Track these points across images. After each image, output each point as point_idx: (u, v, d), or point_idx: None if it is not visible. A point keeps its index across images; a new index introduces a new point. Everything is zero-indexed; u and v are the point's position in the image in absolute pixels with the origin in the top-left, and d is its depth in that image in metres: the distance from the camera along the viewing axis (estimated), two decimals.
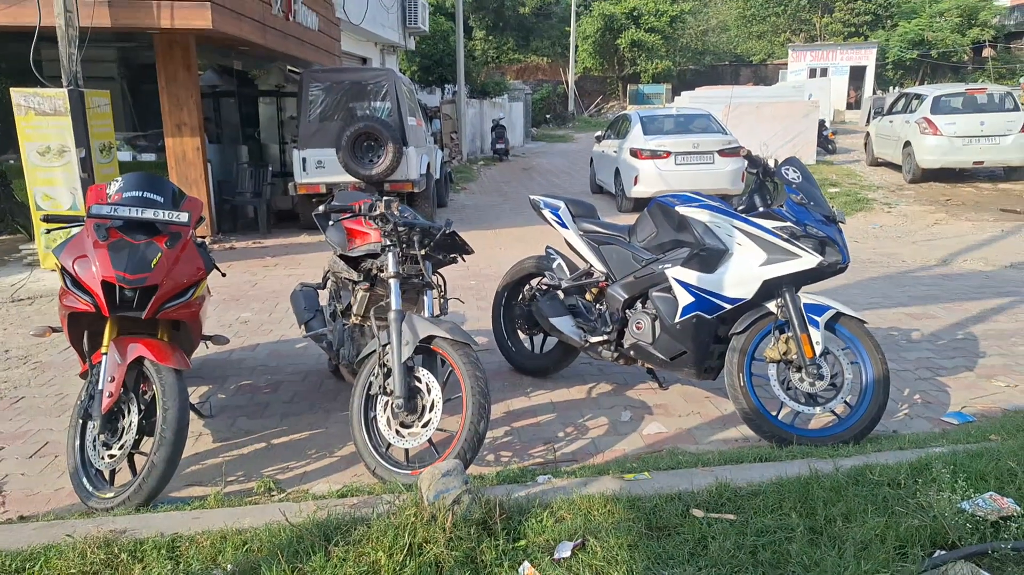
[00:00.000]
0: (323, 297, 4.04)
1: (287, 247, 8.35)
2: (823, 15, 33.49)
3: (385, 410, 2.87)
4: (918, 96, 12.45)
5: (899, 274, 6.88)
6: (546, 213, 3.94)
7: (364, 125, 8.14)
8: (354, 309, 3.33)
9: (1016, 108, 11.59)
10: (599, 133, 12.90)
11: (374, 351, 2.94)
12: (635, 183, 10.22)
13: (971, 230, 9.03)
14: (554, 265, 3.93)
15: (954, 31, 27.28)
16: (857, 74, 26.99)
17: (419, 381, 2.85)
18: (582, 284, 3.78)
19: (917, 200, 11.03)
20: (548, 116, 32.27)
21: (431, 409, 2.81)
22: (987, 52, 28.04)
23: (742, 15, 36.80)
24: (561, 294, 3.88)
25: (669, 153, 10.13)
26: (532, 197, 4.11)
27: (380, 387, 2.88)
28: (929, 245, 8.24)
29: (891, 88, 25.53)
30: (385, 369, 2.86)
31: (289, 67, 11.00)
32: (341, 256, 3.41)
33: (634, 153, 10.35)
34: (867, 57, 27.00)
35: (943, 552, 2.14)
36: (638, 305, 3.55)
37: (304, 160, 8.48)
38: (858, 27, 32.32)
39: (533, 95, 30.13)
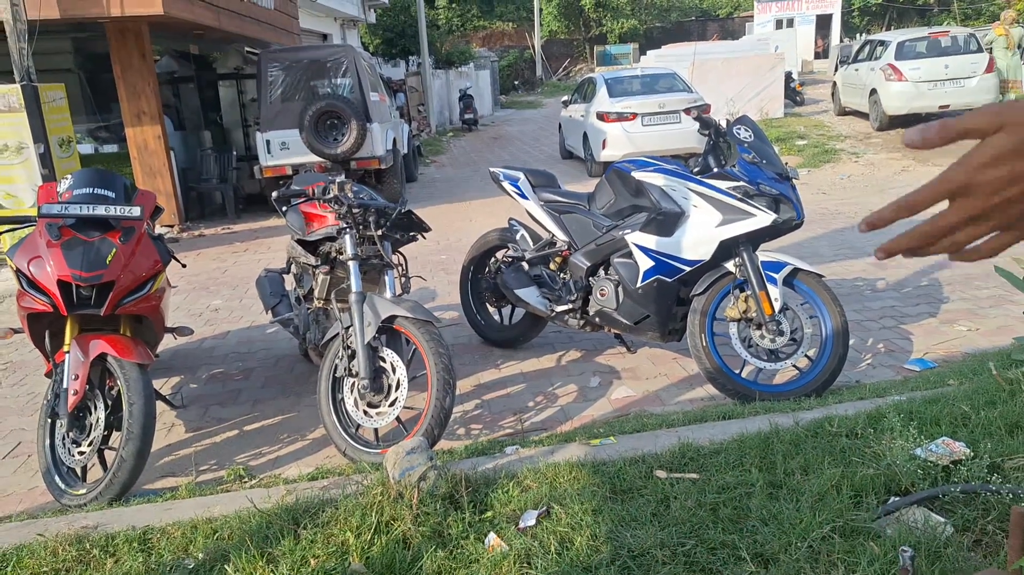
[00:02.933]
0: (289, 281, 4.03)
1: (256, 231, 8.27)
2: None
3: (352, 391, 2.90)
4: (882, 43, 12.44)
5: None
6: (506, 185, 3.94)
7: (326, 104, 8.02)
8: (316, 293, 3.33)
9: (979, 50, 11.62)
10: (566, 98, 12.79)
11: (337, 334, 2.95)
12: (603, 147, 10.19)
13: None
14: (517, 236, 3.95)
15: None
16: (824, 23, 26.87)
17: (383, 361, 2.87)
18: (545, 254, 3.80)
19: (885, 148, 11.12)
20: (516, 83, 31.88)
21: (397, 388, 2.84)
22: None
23: None
24: (526, 265, 3.90)
25: (635, 115, 10.08)
26: (491, 169, 4.10)
27: (345, 369, 2.90)
28: (897, 193, 8.33)
29: (858, 35, 25.47)
30: (349, 351, 2.88)
31: (248, 48, 10.75)
32: (299, 241, 3.40)
33: (601, 116, 10.29)
34: (833, 4, 26.86)
35: (896, 498, 2.22)
36: (601, 272, 3.59)
37: (268, 142, 8.35)
38: None
39: (500, 62, 29.71)
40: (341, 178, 3.03)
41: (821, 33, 26.93)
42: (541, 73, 32.40)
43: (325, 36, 14.70)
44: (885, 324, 4.26)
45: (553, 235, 3.78)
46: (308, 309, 3.48)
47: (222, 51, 11.04)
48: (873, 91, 12.11)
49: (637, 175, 3.37)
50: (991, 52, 11.71)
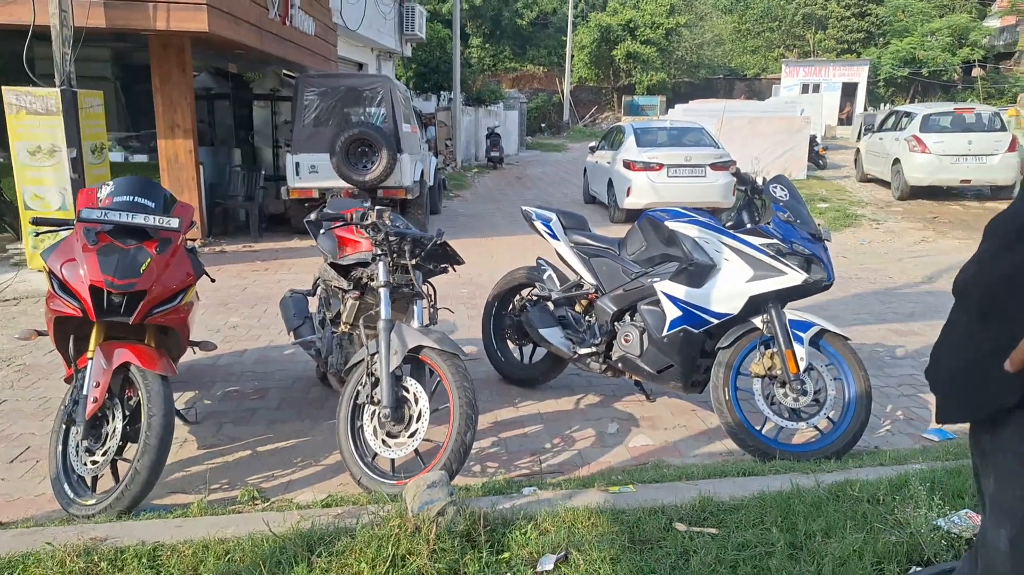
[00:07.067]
0: (313, 304, 4.04)
1: (277, 251, 8.34)
2: (816, 31, 33.91)
3: (372, 419, 2.87)
4: (908, 114, 12.58)
5: (885, 291, 6.94)
6: (537, 224, 3.96)
7: (359, 131, 8.16)
8: (343, 317, 3.33)
9: (1003, 128, 11.74)
10: (593, 144, 12.97)
11: (362, 360, 2.94)
12: (628, 194, 10.28)
13: (957, 248, 9.12)
14: (544, 276, 3.95)
15: (945, 50, 27.65)
16: (849, 90, 27.26)
17: (407, 391, 2.86)
18: (572, 296, 3.80)
19: (905, 217, 11.14)
20: (543, 125, 32.44)
21: (418, 419, 2.81)
22: (976, 72, 28.45)
23: (737, 30, 37.25)
24: (551, 305, 3.90)
25: (662, 165, 10.20)
26: (524, 208, 4.13)
27: (367, 396, 2.88)
28: (915, 262, 8.31)
29: (882, 105, 25.80)
30: (373, 378, 2.87)
31: (285, 71, 11.01)
32: (332, 264, 3.41)
33: (627, 165, 10.41)
34: (859, 74, 27.29)
35: (918, 569, 2.17)
36: (627, 318, 3.58)
37: (297, 164, 8.48)
38: (851, 44, 32.74)
39: (528, 104, 30.28)
40: (380, 206, 3.05)
41: (846, 100, 27.29)
42: (568, 118, 32.95)
43: (361, 65, 15.03)
44: (904, 392, 4.21)
45: (581, 277, 3.78)
46: (333, 333, 3.48)
47: (260, 71, 11.29)
48: (896, 161, 12.20)
49: (671, 224, 3.38)
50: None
